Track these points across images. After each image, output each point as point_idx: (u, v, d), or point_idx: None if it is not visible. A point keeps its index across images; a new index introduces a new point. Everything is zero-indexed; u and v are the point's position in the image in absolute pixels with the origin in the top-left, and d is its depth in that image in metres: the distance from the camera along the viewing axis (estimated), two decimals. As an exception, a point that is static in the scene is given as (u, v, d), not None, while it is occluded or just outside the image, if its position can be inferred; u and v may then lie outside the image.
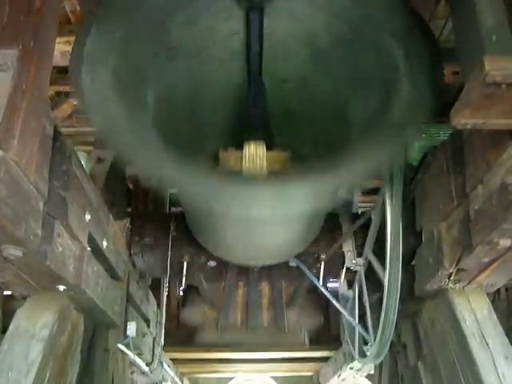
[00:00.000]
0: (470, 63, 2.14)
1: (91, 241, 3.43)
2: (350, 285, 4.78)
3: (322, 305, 6.32)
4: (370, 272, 4.21)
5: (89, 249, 3.39)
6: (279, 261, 4.59)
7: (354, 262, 4.44)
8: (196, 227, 4.33)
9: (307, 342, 5.94)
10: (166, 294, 5.18)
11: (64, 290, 3.13)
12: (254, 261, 4.60)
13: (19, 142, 2.32)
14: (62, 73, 6.11)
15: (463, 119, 2.21)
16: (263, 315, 5.46)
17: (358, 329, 4.39)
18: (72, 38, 5.22)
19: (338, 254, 4.62)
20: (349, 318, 4.62)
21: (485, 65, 1.93)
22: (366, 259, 4.28)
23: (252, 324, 5.47)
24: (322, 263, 4.63)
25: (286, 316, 5.46)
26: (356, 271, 4.54)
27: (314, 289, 5.09)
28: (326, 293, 4.61)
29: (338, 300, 5.06)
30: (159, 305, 5.79)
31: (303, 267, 4.62)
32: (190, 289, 5.80)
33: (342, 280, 4.69)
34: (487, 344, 3.20)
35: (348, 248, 4.55)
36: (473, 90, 2.07)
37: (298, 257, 4.62)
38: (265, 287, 5.32)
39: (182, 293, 4.80)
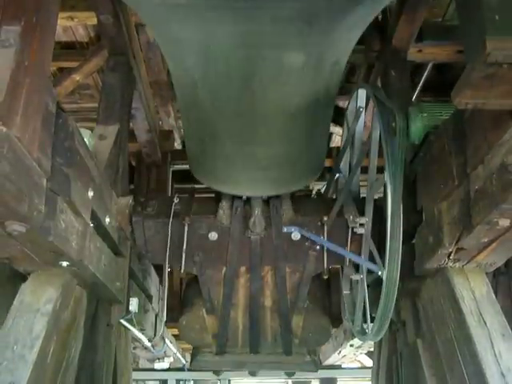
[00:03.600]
0: (472, 43, 2.13)
1: (94, 217, 3.46)
2: (357, 269, 4.76)
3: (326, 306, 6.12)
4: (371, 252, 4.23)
5: (92, 225, 3.43)
6: (279, 188, 4.42)
7: (356, 220, 4.37)
8: (196, 154, 4.19)
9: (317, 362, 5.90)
10: (168, 269, 5.20)
11: (67, 265, 3.17)
12: (254, 184, 4.35)
13: (22, 118, 2.33)
14: (64, 49, 6.12)
15: (464, 99, 2.22)
16: (267, 323, 5.34)
17: (369, 266, 4.20)
18: (74, 14, 5.26)
19: (340, 223, 4.57)
20: (357, 259, 4.55)
21: (487, 45, 1.93)
22: (369, 216, 4.23)
23: (255, 344, 5.42)
24: (325, 227, 4.60)
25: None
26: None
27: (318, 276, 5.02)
28: (330, 246, 4.52)
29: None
30: (161, 282, 5.84)
31: (306, 232, 4.57)
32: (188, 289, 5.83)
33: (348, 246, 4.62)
34: (485, 322, 3.24)
35: (349, 212, 4.49)
36: (474, 70, 2.07)
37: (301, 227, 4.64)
38: (268, 274, 5.18)
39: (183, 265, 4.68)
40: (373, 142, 3.83)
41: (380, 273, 3.64)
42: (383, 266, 3.48)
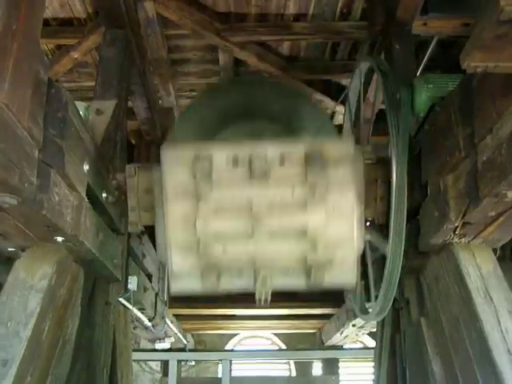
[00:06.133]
0: (483, 0, 2.02)
1: (90, 192, 3.37)
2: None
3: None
4: (375, 227, 4.14)
5: (87, 200, 3.34)
6: None
7: None
8: None
9: None
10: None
11: (62, 241, 3.09)
12: None
13: (10, 84, 2.22)
14: (61, 25, 6.00)
15: (474, 62, 2.11)
16: None
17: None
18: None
19: None
20: None
21: (500, 0, 1.81)
22: None
23: None
24: None
25: None
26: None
27: None
28: None
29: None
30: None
31: None
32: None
33: None
34: (491, 299, 3.16)
35: None
36: (485, 30, 1.96)
37: None
38: None
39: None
40: None
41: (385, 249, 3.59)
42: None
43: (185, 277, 3.35)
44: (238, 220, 3.24)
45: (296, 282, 3.47)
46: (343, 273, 3.41)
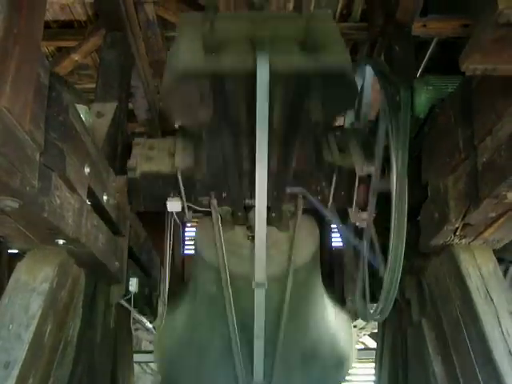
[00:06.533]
0: (482, 4, 2.02)
1: (91, 195, 3.37)
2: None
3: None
4: (377, 226, 4.14)
5: (89, 203, 3.35)
6: None
7: (359, 216, 4.28)
8: None
9: None
10: (169, 249, 5.12)
11: (63, 243, 3.10)
12: None
13: (12, 88, 2.23)
14: (62, 27, 6.01)
15: (473, 64, 2.12)
16: None
17: (370, 259, 4.13)
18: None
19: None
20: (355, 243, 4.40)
21: (498, 3, 1.82)
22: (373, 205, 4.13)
23: None
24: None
25: None
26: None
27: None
28: (331, 216, 4.40)
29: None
30: (162, 263, 5.78)
31: (310, 196, 4.43)
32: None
33: (353, 209, 4.46)
34: (491, 299, 3.17)
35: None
36: (484, 32, 1.97)
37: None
38: None
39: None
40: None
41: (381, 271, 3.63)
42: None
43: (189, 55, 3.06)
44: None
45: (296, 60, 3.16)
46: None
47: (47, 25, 5.78)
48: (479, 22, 2.04)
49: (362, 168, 4.09)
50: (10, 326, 2.89)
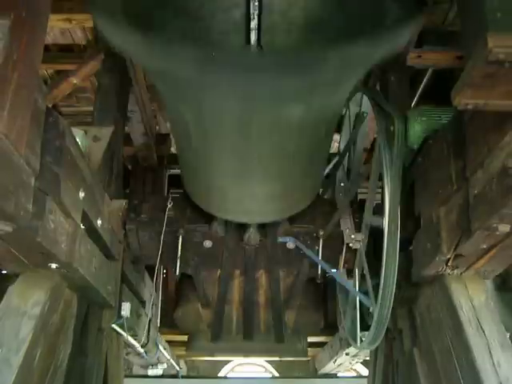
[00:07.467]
0: (473, 41, 2.07)
1: (85, 219, 3.38)
2: (350, 274, 4.70)
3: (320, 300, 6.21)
4: (370, 256, 4.18)
5: (83, 227, 3.35)
6: (274, 216, 4.35)
7: (352, 236, 4.34)
8: (190, 180, 4.14)
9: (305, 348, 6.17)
10: (162, 274, 5.15)
11: (56, 267, 3.09)
12: (249, 214, 4.27)
13: (9, 113, 2.25)
14: (62, 51, 6.07)
15: (464, 99, 2.15)
16: (260, 317, 5.45)
17: (360, 298, 4.18)
18: (72, 16, 5.21)
19: (336, 235, 4.58)
20: (349, 287, 4.47)
21: (488, 42, 1.86)
22: (365, 233, 4.20)
23: (248, 331, 5.48)
24: (321, 240, 4.58)
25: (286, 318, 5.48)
26: (355, 259, 4.48)
27: (312, 280, 5.02)
28: (324, 266, 4.52)
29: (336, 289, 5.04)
30: (155, 286, 5.76)
31: (300, 244, 4.56)
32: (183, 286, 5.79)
33: (342, 259, 4.61)
34: (483, 331, 3.16)
35: (346, 226, 4.48)
36: (475, 69, 2.01)
37: (296, 238, 4.58)
38: (262, 276, 5.23)
39: (177, 271, 4.68)
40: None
41: (371, 309, 3.64)
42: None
43: None
44: None
45: None
46: None
47: (47, 48, 5.82)
48: (470, 58, 2.07)
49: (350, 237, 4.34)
50: (0, 350, 2.87)
